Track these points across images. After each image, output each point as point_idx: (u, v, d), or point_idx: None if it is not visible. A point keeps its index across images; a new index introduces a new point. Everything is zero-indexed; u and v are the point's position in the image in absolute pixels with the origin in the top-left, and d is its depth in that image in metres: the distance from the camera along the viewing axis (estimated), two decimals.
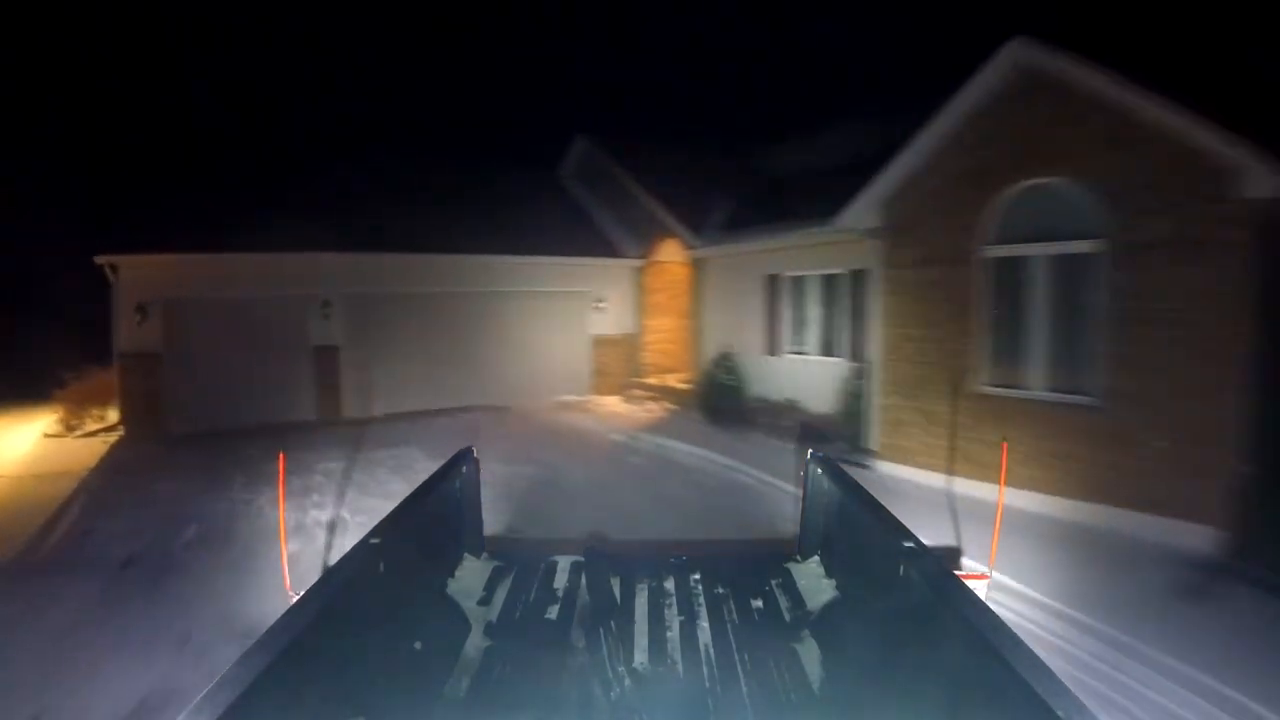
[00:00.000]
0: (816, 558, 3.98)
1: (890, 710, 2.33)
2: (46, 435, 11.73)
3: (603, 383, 15.38)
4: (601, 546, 4.31)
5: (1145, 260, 6.63)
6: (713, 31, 39.54)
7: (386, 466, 9.28)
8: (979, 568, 5.24)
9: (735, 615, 3.31)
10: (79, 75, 23.62)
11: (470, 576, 3.76)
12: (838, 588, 3.53)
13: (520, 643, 3.05)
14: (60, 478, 9.00)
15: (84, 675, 4.46)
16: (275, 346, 12.24)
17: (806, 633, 3.14)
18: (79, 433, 11.80)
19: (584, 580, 3.64)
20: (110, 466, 9.73)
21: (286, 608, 2.17)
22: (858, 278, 10.60)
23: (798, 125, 15.91)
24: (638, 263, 15.74)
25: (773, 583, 3.65)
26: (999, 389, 7.90)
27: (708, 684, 2.73)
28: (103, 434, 11.63)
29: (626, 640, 3.03)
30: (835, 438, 10.16)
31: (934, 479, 8.24)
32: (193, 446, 10.60)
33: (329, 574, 2.56)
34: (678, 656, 2.93)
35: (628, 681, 2.70)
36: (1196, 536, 6.20)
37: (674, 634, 3.12)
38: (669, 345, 15.78)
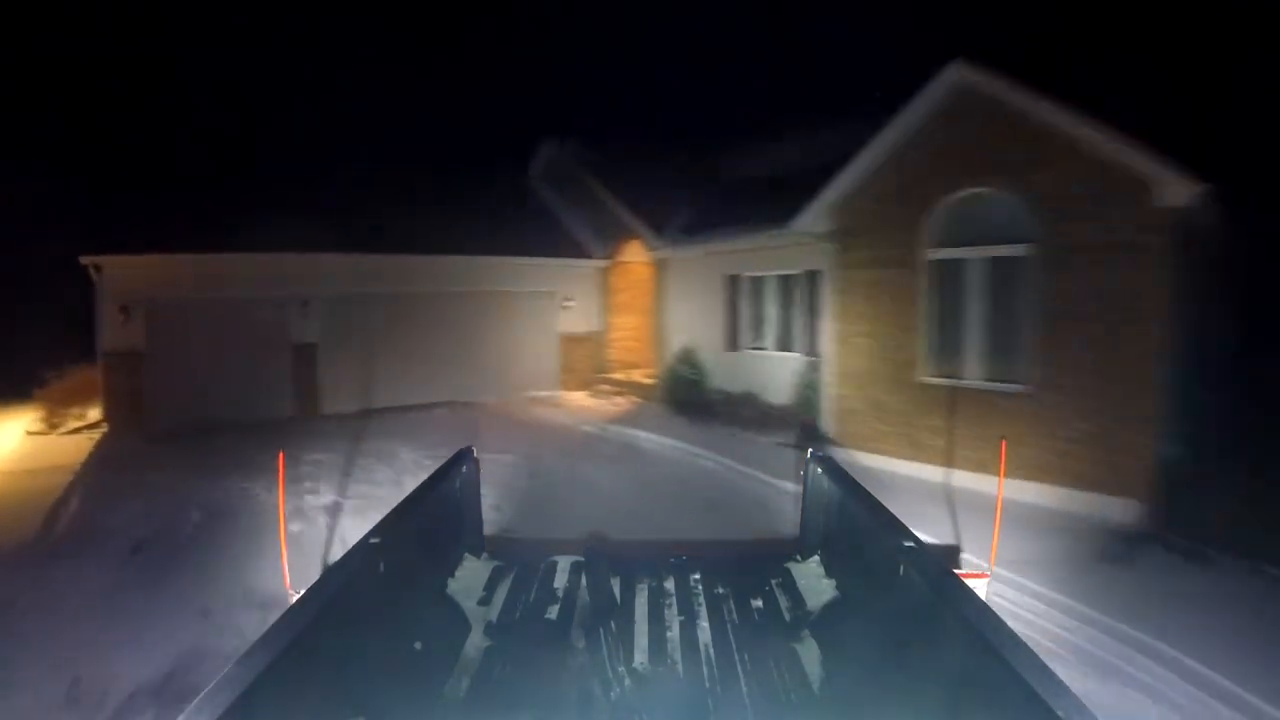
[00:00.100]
0: (816, 557, 3.90)
1: (890, 710, 2.29)
2: (29, 433, 11.48)
3: (571, 379, 15.52)
4: (601, 546, 4.24)
5: (1071, 262, 7.13)
6: (679, 39, 39.96)
7: (372, 457, 9.40)
8: (979, 565, 5.16)
9: (735, 615, 3.25)
10: (61, 76, 22.98)
11: (470, 576, 3.68)
12: (838, 587, 3.48)
13: (520, 643, 2.99)
14: (53, 472, 8.90)
15: (115, 645, 4.57)
16: (255, 345, 12.18)
17: (806, 633, 3.08)
18: (62, 430, 11.60)
19: (584, 580, 3.57)
20: (100, 461, 9.64)
21: (287, 607, 2.15)
22: (812, 278, 10.96)
23: (758, 131, 16.18)
24: (604, 263, 15.91)
25: (773, 583, 3.58)
26: (941, 379, 8.35)
27: (708, 684, 2.68)
28: (86, 431, 11.45)
29: (626, 640, 2.97)
30: (791, 425, 10.52)
31: (883, 462, 8.67)
32: (177, 442, 10.53)
33: (329, 574, 2.51)
34: (678, 656, 2.87)
35: (628, 681, 2.66)
36: (1122, 509, 6.69)
37: (674, 634, 3.06)
38: (633, 342, 16.02)
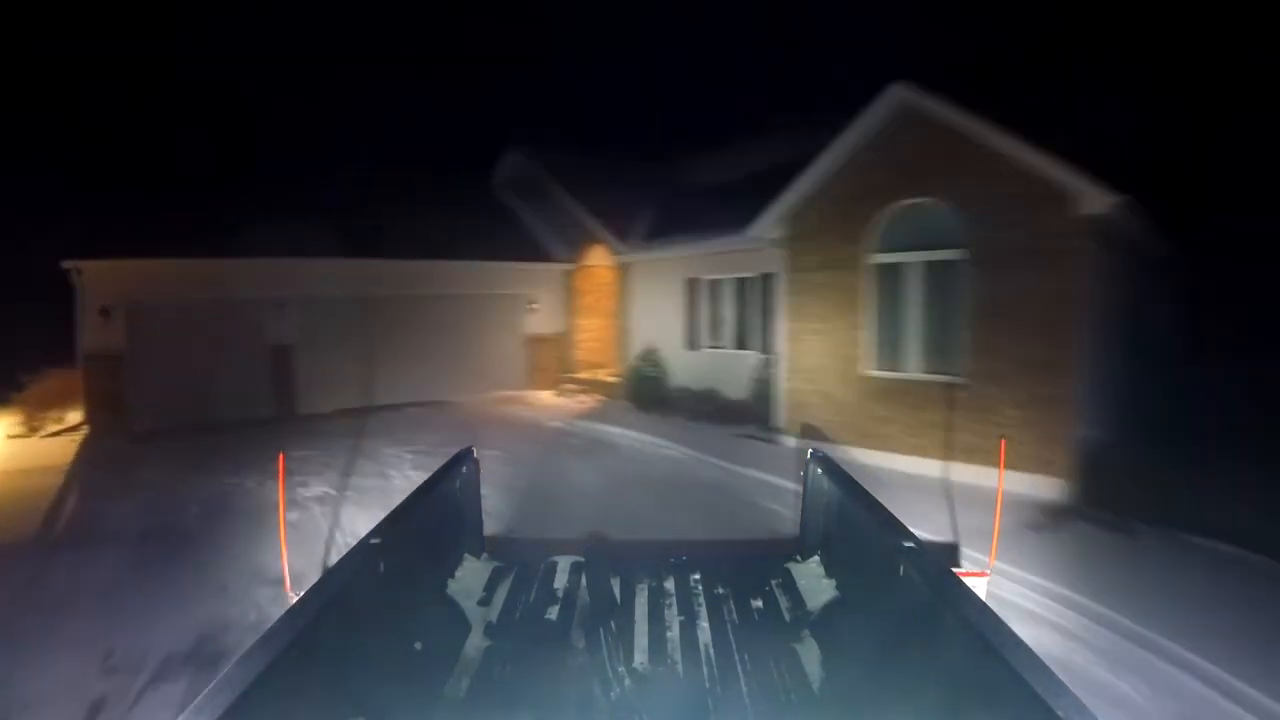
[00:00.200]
0: (816, 557, 3.84)
1: (890, 710, 2.26)
2: (10, 436, 11.19)
3: (537, 378, 15.65)
4: (601, 546, 4.21)
5: (1000, 265, 7.61)
6: (642, 50, 40.48)
7: (355, 453, 9.46)
8: (979, 563, 5.22)
9: (735, 615, 3.20)
10: (40, 79, 22.25)
11: (470, 576, 3.62)
12: (838, 587, 3.42)
13: (520, 643, 2.94)
14: (44, 472, 8.77)
15: (140, 620, 4.66)
16: (234, 347, 12.09)
17: (806, 633, 3.03)
18: (43, 433, 11.34)
19: (584, 580, 3.51)
20: (88, 461, 9.53)
21: (287, 608, 2.11)
22: (766, 280, 11.33)
23: (718, 139, 16.59)
24: (568, 267, 16.08)
25: (773, 583, 3.53)
26: (884, 372, 8.80)
27: (708, 684, 2.63)
28: (67, 433, 11.24)
29: (626, 640, 2.92)
30: (748, 418, 10.95)
31: (831, 450, 9.12)
32: (159, 442, 10.44)
33: (329, 574, 2.45)
34: (678, 656, 2.82)
35: (628, 681, 2.61)
36: (1050, 487, 7.17)
37: (674, 634, 3.00)
38: (597, 343, 16.23)
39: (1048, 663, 1.72)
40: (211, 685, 1.58)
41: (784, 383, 10.03)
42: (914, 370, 8.57)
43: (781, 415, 10.08)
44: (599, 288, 15.92)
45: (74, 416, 11.78)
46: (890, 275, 8.77)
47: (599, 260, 15.52)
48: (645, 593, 3.40)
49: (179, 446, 10.17)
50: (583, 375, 15.70)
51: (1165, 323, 10.71)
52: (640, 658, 2.80)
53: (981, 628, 1.92)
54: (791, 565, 3.77)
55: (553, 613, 3.23)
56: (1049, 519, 6.57)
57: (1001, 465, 4.38)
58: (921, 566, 2.43)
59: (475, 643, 2.93)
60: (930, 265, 8.37)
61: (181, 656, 4.20)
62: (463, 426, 11.43)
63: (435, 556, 3.49)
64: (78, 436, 10.99)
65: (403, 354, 13.72)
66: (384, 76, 33.32)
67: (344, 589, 2.27)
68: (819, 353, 9.51)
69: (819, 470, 3.90)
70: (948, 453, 8.05)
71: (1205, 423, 8.78)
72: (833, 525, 3.70)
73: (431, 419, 12.02)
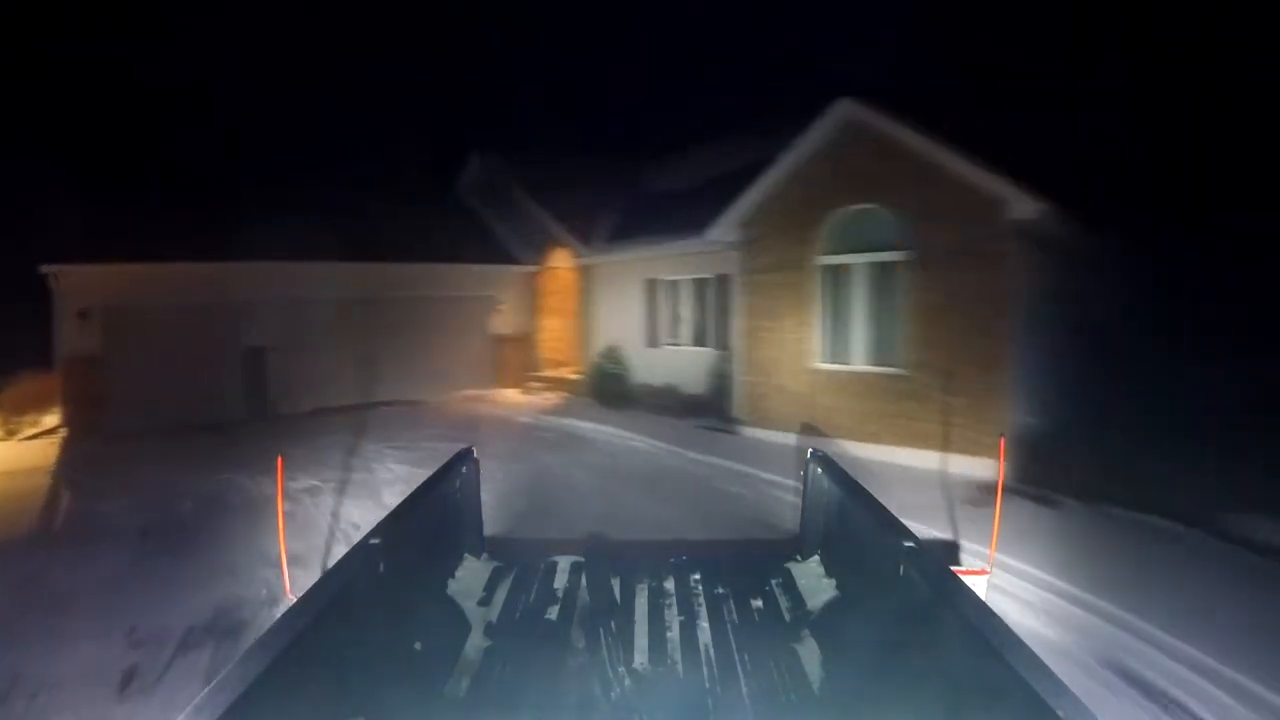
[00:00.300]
0: (816, 557, 3.76)
1: (890, 710, 2.22)
2: None
3: (503, 377, 15.67)
4: (602, 547, 4.17)
5: (938, 266, 8.06)
6: (604, 56, 40.67)
7: (335, 449, 9.48)
8: (979, 561, 5.22)
9: (735, 615, 3.14)
10: (15, 82, 21.32)
11: (470, 576, 3.55)
12: (838, 587, 3.35)
13: (520, 643, 2.88)
14: (28, 474, 8.64)
15: (157, 601, 4.74)
16: (209, 349, 11.95)
17: (806, 633, 2.98)
18: (21, 436, 11.00)
19: (584, 580, 3.46)
20: (71, 462, 9.40)
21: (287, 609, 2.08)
22: (722, 281, 11.64)
23: (677, 145, 16.85)
24: (532, 268, 16.13)
25: (773, 583, 3.47)
26: (832, 365, 9.20)
27: (708, 684, 2.59)
28: (45, 436, 10.97)
29: (626, 640, 2.87)
30: (707, 411, 11.25)
31: (787, 438, 9.46)
32: (138, 444, 10.25)
33: (329, 574, 2.38)
34: (678, 656, 2.77)
35: (628, 681, 2.57)
36: (985, 468, 7.58)
37: (674, 634, 2.95)
38: (560, 342, 16.34)
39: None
40: (211, 685, 1.55)
41: (740, 377, 10.38)
42: (860, 363, 8.99)
43: (738, 407, 10.42)
44: (562, 289, 16.06)
45: (51, 420, 11.56)
46: (838, 276, 9.18)
47: (562, 262, 15.64)
48: (645, 593, 3.34)
49: (159, 448, 10.00)
50: (547, 373, 15.81)
51: (1096, 316, 11.38)
52: (640, 658, 2.75)
53: (981, 627, 1.89)
54: (791, 565, 3.70)
55: (553, 613, 3.17)
56: (986, 496, 7.03)
57: (1001, 465, 4.24)
58: (921, 566, 2.39)
59: (475, 643, 2.88)
60: (875, 266, 8.80)
61: (203, 628, 4.30)
62: (436, 423, 11.44)
63: (435, 556, 3.42)
64: (56, 439, 10.80)
65: (373, 355, 13.63)
66: (352, 83, 32.81)
67: (344, 589, 2.22)
68: (773, 348, 9.87)
69: (819, 470, 3.80)
70: (891, 438, 8.50)
71: (1136, 408, 9.43)
72: (833, 525, 3.63)
73: (405, 417, 12.00)
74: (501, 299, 15.86)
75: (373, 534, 2.64)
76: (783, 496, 7.26)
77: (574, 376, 14.94)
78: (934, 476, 7.65)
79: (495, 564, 3.70)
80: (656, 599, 3.28)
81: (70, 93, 21.96)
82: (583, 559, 3.70)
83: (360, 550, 2.52)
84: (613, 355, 13.68)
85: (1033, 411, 8.32)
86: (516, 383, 15.77)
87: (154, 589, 4.99)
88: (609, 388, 13.26)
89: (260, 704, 1.57)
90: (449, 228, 16.41)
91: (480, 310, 15.61)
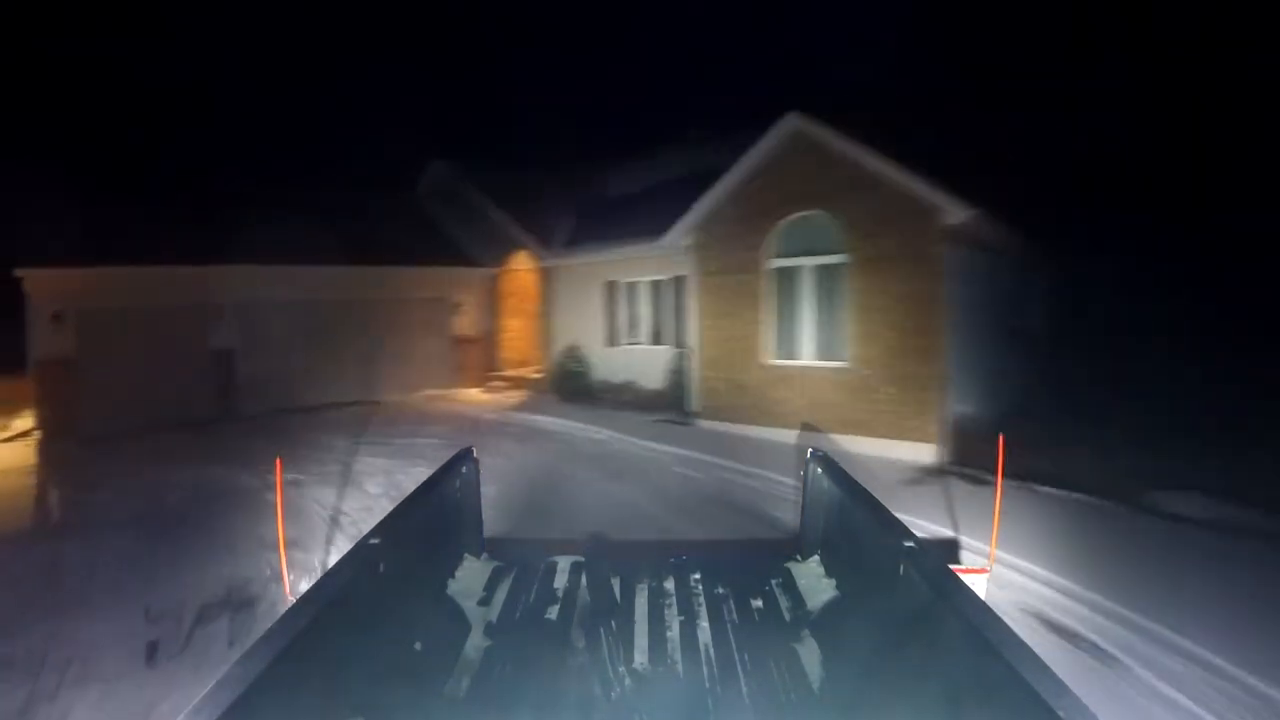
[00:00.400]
0: (816, 557, 3.67)
1: (890, 710, 2.16)
2: None
3: (465, 376, 15.66)
4: (601, 547, 4.10)
5: (878, 268, 8.52)
6: (564, 61, 40.71)
7: (310, 446, 9.53)
8: (980, 560, 5.16)
9: (735, 615, 3.07)
10: None
11: (470, 576, 3.47)
12: (838, 587, 3.27)
13: (520, 643, 2.81)
14: (7, 474, 8.45)
15: (166, 582, 4.80)
16: (178, 351, 11.76)
17: (806, 632, 2.90)
18: None
19: (584, 580, 3.38)
20: (52, 461, 9.29)
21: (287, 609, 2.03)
22: (678, 283, 11.95)
23: (635, 151, 17.08)
24: (493, 270, 16.14)
25: (773, 582, 3.39)
26: (782, 361, 9.61)
27: (708, 684, 2.53)
28: (19, 439, 10.65)
29: (626, 640, 2.81)
30: (666, 406, 11.55)
31: (742, 429, 9.82)
32: (114, 443, 10.09)
33: (328, 575, 2.32)
34: (678, 656, 2.70)
35: (628, 681, 2.51)
36: (923, 453, 8.10)
37: (674, 634, 2.88)
38: (521, 342, 16.44)
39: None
40: (211, 685, 1.51)
41: (696, 372, 10.72)
42: (807, 358, 9.43)
43: (695, 402, 10.78)
44: (522, 290, 16.17)
45: (22, 423, 11.28)
46: (786, 277, 9.60)
47: (522, 265, 15.73)
48: (645, 593, 3.27)
49: (134, 447, 9.93)
50: (509, 373, 15.89)
51: (1028, 312, 12.13)
52: (640, 658, 2.69)
53: (981, 627, 1.84)
54: (791, 565, 3.62)
55: (553, 613, 3.09)
56: (922, 476, 7.52)
57: (1000, 465, 4.06)
58: (921, 566, 2.35)
59: (475, 643, 2.81)
60: (821, 268, 9.25)
61: (217, 603, 4.41)
62: (405, 421, 11.45)
63: (435, 556, 3.36)
64: (30, 441, 10.56)
65: (338, 356, 13.52)
66: (316, 90, 32.17)
67: (343, 589, 2.17)
68: (727, 346, 10.23)
69: (819, 470, 3.72)
70: (838, 428, 8.97)
71: (1061, 396, 10.13)
72: (832, 525, 3.56)
73: (373, 416, 11.94)
74: (463, 301, 15.85)
75: (372, 534, 2.58)
76: (732, 479, 7.68)
77: (536, 375, 15.08)
78: (876, 461, 8.13)
79: (495, 564, 3.61)
80: (656, 599, 3.21)
81: (43, 98, 21.13)
82: (583, 559, 3.62)
83: (360, 550, 2.47)
84: (574, 354, 13.88)
85: (967, 400, 8.88)
86: (479, 382, 15.80)
87: (160, 571, 5.11)
88: (571, 385, 13.45)
89: (260, 704, 1.54)
90: (411, 232, 16.30)
91: (442, 312, 15.56)
